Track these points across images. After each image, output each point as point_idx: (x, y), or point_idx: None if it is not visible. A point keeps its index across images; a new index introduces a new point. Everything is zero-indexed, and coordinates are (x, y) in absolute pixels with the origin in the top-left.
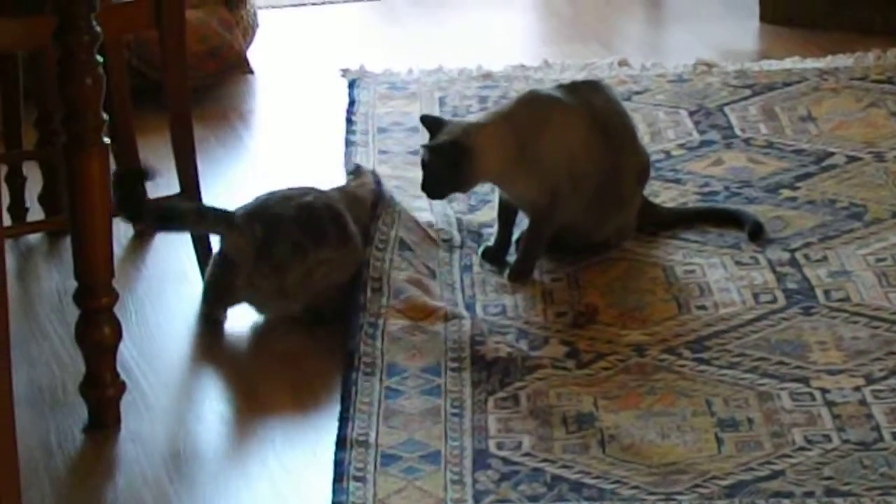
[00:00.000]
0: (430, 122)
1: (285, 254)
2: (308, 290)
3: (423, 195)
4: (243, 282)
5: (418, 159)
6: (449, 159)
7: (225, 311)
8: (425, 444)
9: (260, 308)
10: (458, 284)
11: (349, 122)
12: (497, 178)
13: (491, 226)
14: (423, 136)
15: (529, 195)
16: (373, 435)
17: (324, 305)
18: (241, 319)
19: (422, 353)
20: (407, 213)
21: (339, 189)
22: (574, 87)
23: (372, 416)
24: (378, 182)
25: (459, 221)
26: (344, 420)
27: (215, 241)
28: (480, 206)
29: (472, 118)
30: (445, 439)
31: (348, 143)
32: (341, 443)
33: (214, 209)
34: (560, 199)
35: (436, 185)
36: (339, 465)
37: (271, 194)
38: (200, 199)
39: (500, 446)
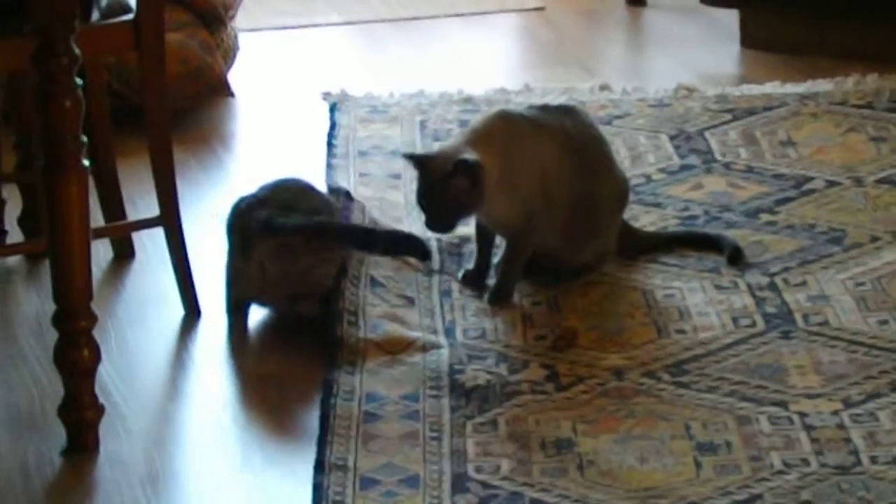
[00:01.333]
0: (413, 158)
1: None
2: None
3: (403, 217)
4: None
5: (398, 182)
6: (470, 179)
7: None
8: (404, 468)
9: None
10: (437, 309)
11: (330, 145)
12: (492, 185)
13: (471, 240)
14: (404, 161)
15: (505, 217)
16: (351, 459)
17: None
18: (220, 342)
19: (401, 384)
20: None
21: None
22: (545, 108)
23: (350, 440)
24: (349, 198)
25: (439, 242)
26: (323, 444)
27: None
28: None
29: (450, 141)
30: (424, 463)
31: (329, 167)
32: (320, 466)
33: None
34: (534, 221)
35: (449, 214)
36: (317, 489)
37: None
38: (180, 223)
39: (478, 470)
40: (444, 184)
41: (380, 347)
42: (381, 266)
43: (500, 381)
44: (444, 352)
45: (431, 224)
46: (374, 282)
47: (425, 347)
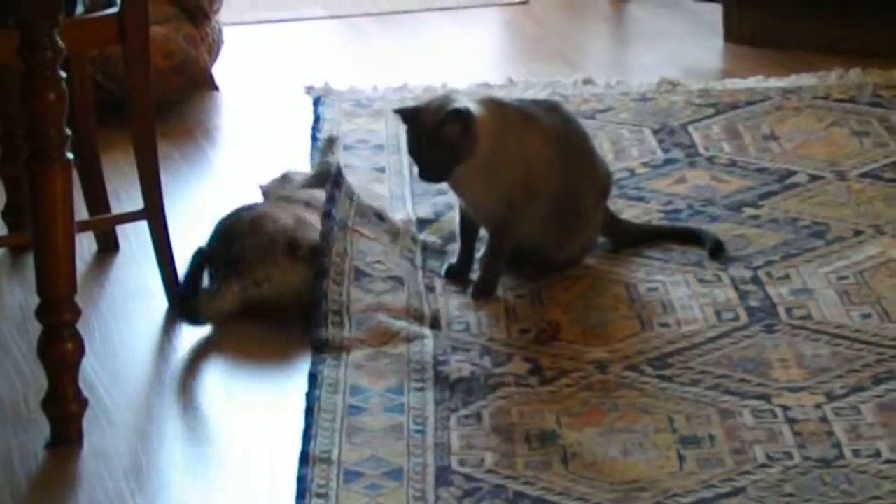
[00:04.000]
0: (403, 112)
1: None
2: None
3: (388, 208)
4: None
5: (383, 175)
6: (461, 127)
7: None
8: (388, 460)
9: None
10: (424, 294)
11: (314, 139)
12: (479, 161)
13: (456, 239)
14: (389, 154)
15: (487, 203)
16: (336, 452)
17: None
18: (204, 335)
19: (385, 376)
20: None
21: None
22: (531, 102)
23: (335, 432)
24: (339, 173)
25: (424, 244)
26: (307, 436)
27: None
28: (446, 210)
29: (448, 94)
30: (408, 456)
31: (313, 160)
32: (304, 459)
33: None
34: (516, 211)
35: (442, 163)
36: (301, 481)
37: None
38: (164, 216)
39: (462, 463)
40: (435, 132)
41: (364, 343)
42: (367, 255)
43: (485, 374)
44: (429, 342)
45: (424, 174)
46: (358, 273)
47: (409, 338)
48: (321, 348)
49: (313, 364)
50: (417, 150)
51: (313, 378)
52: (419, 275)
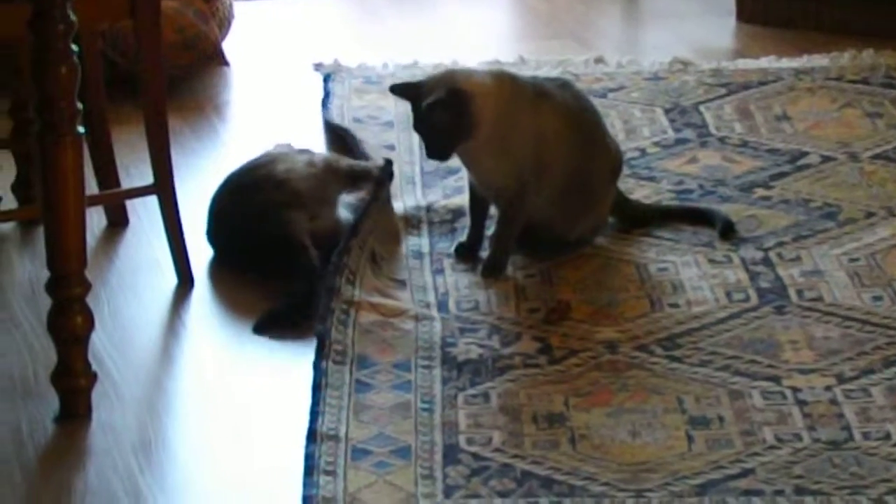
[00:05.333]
0: (402, 89)
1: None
2: None
3: (396, 193)
4: None
5: (393, 153)
6: (453, 110)
7: None
8: (396, 438)
9: None
10: (429, 285)
11: (326, 113)
12: (490, 131)
13: (465, 214)
14: (399, 131)
15: (497, 180)
16: (343, 429)
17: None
18: (213, 310)
19: (393, 349)
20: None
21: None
22: (544, 80)
23: (342, 410)
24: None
25: (430, 220)
26: (314, 414)
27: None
28: (454, 194)
29: (451, 70)
30: (416, 434)
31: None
32: (312, 436)
33: None
34: (526, 188)
35: (441, 143)
36: (309, 458)
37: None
38: (174, 191)
39: (470, 442)
40: (429, 114)
41: (374, 308)
42: (378, 241)
43: (493, 355)
44: (437, 324)
45: (429, 153)
46: (373, 258)
47: (418, 318)
48: (329, 296)
49: (321, 320)
50: (419, 129)
51: (321, 341)
52: (427, 261)
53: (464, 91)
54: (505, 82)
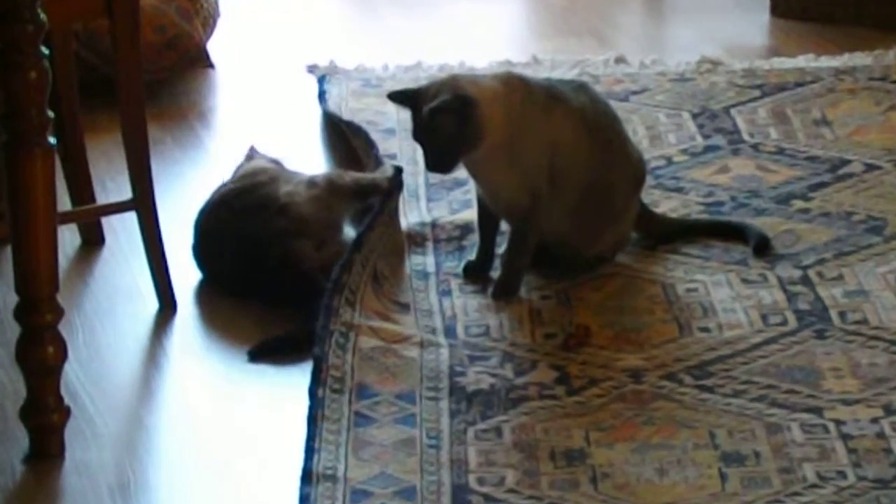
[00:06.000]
0: (402, 96)
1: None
2: None
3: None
4: None
5: (394, 162)
6: (457, 117)
7: None
8: (399, 478)
9: None
10: (435, 309)
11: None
12: (498, 140)
13: (473, 229)
14: (400, 139)
15: (507, 193)
16: (341, 468)
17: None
18: (197, 338)
19: (395, 378)
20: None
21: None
22: (558, 82)
23: (340, 446)
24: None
25: (437, 240)
26: (310, 451)
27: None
28: (462, 208)
29: (455, 74)
30: (421, 473)
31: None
32: (307, 477)
33: None
34: (540, 201)
35: (444, 153)
36: (304, 501)
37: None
38: (154, 207)
39: (481, 482)
40: (430, 123)
41: (374, 333)
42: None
43: (506, 385)
44: (444, 351)
45: (431, 165)
46: (375, 276)
47: (423, 344)
48: (328, 316)
49: (318, 343)
50: (419, 139)
51: (317, 365)
52: (433, 282)
53: (469, 96)
54: (515, 86)
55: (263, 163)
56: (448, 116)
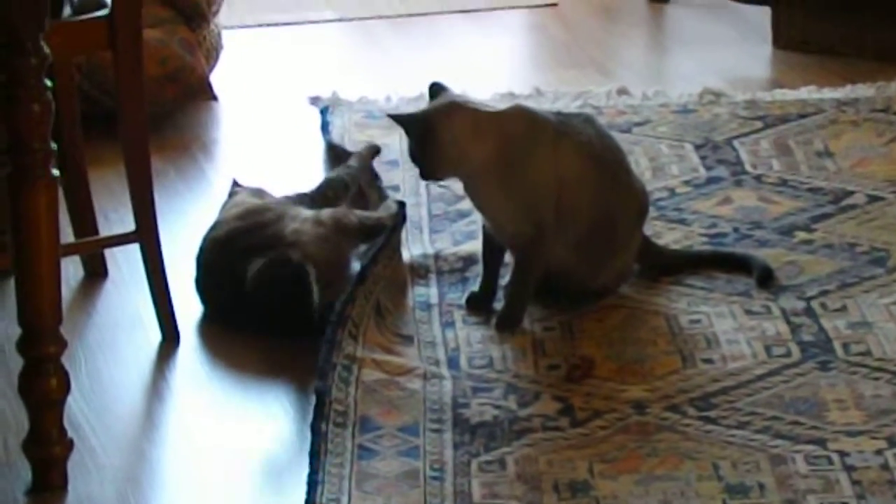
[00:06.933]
0: (435, 90)
1: None
2: None
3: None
4: None
5: (397, 194)
6: (416, 133)
7: None
8: None
9: None
10: (439, 340)
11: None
12: (468, 176)
13: (477, 261)
14: (404, 170)
15: (511, 224)
16: (345, 500)
17: None
18: (200, 370)
19: (399, 411)
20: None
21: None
22: (565, 115)
23: (343, 479)
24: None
25: (440, 270)
26: (313, 484)
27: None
28: (465, 240)
29: (464, 98)
30: None
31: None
32: None
33: None
34: (545, 233)
35: (414, 158)
36: None
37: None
38: (157, 239)
39: None
40: (417, 143)
41: (378, 365)
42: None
43: (509, 416)
44: (447, 383)
45: (422, 175)
46: (378, 309)
47: (426, 376)
48: (330, 350)
49: (320, 377)
50: (412, 156)
51: (320, 398)
52: (436, 313)
53: (428, 121)
54: (516, 118)
55: (252, 199)
56: (409, 130)
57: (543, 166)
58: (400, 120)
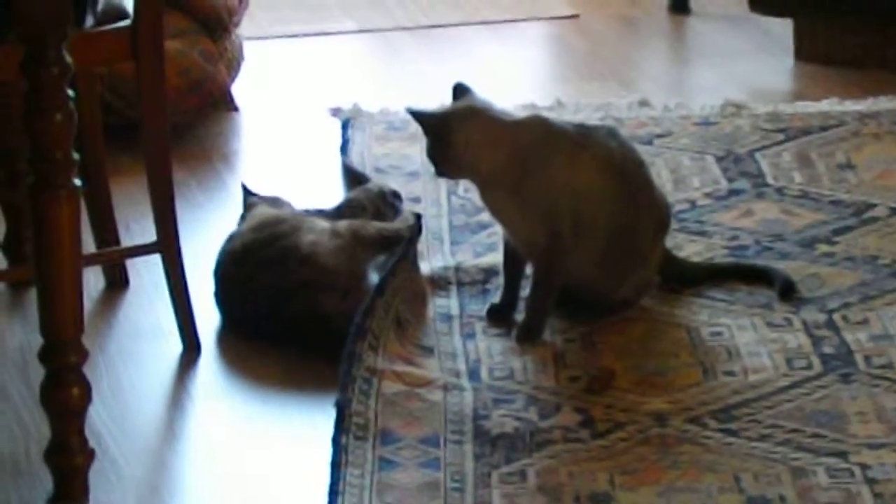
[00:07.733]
0: (459, 91)
1: None
2: None
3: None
4: None
5: (419, 206)
6: (432, 132)
7: None
8: None
9: None
10: (459, 351)
11: (345, 165)
12: (481, 181)
13: (498, 273)
14: (425, 182)
15: (525, 233)
16: None
17: None
18: (221, 380)
19: (419, 422)
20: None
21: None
22: (588, 127)
23: (364, 490)
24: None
25: (460, 282)
26: (334, 494)
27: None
28: (486, 252)
29: (485, 103)
30: None
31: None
32: None
33: None
34: (561, 243)
35: (429, 156)
36: None
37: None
38: (178, 249)
39: None
40: (432, 142)
41: (398, 377)
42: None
43: (530, 428)
44: (468, 394)
45: (437, 173)
46: (398, 321)
47: (447, 387)
48: (350, 362)
49: (340, 390)
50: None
51: (340, 412)
52: (456, 325)
53: (444, 123)
54: (529, 128)
55: (268, 210)
56: (424, 128)
57: (557, 176)
58: (418, 117)
